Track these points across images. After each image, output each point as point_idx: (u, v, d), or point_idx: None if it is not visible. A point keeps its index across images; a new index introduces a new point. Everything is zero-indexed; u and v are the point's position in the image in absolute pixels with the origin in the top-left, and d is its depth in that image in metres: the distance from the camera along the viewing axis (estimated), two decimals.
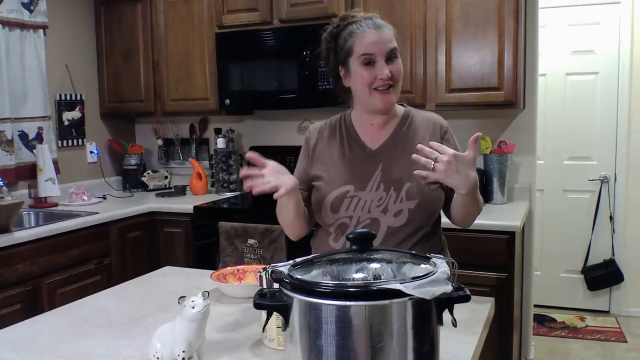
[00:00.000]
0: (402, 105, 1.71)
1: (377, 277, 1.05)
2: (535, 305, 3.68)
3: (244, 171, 1.44)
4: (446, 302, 1.03)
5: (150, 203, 3.51)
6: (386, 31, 1.55)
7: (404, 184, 1.57)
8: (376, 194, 1.58)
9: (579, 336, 3.89)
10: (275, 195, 1.45)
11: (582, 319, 4.18)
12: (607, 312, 4.31)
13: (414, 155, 1.43)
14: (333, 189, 1.60)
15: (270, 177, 1.43)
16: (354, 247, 1.13)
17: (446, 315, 1.05)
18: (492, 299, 1.61)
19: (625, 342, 3.79)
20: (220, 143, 3.72)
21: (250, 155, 1.46)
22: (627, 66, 4.14)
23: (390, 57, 1.54)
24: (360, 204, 1.58)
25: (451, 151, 1.40)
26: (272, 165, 1.46)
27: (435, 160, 1.39)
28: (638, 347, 3.71)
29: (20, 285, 2.65)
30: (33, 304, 2.68)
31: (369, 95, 1.56)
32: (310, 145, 1.71)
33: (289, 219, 1.63)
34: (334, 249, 1.61)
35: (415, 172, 1.42)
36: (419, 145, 1.43)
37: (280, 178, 1.45)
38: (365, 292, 0.97)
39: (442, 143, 1.58)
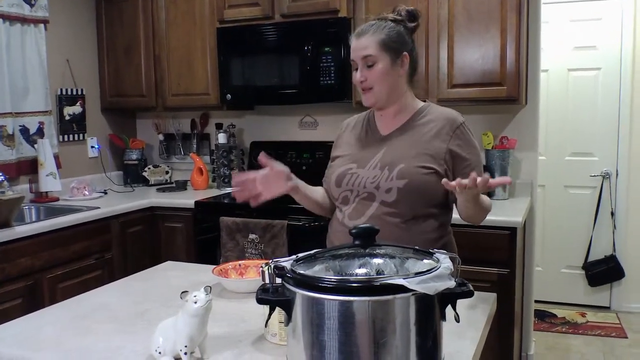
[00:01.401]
0: (424, 101, 1.83)
1: (380, 273, 1.05)
2: (536, 301, 3.68)
3: (236, 179, 1.69)
4: (449, 297, 1.03)
5: (151, 198, 3.50)
6: (364, 38, 1.69)
7: (397, 165, 1.68)
8: (372, 172, 1.71)
9: (580, 332, 3.90)
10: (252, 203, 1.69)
11: (583, 315, 4.19)
12: (608, 307, 4.31)
13: (444, 181, 1.47)
14: (340, 166, 1.79)
15: (259, 185, 1.69)
16: (356, 242, 1.12)
17: (449, 310, 1.05)
18: (494, 295, 1.62)
19: (626, 337, 3.79)
20: (222, 138, 3.72)
21: (262, 157, 1.72)
22: (629, 62, 4.13)
23: (367, 64, 1.69)
24: (358, 180, 1.73)
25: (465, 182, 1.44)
26: (263, 175, 1.71)
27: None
28: (638, 342, 3.72)
29: (21, 279, 2.65)
30: (34, 299, 2.68)
31: (361, 94, 1.76)
32: (338, 135, 1.93)
33: (307, 207, 1.88)
34: (339, 220, 1.76)
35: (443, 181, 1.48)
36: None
37: (269, 187, 1.71)
38: (368, 288, 0.97)
39: (450, 138, 1.69)
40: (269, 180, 1.71)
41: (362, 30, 1.71)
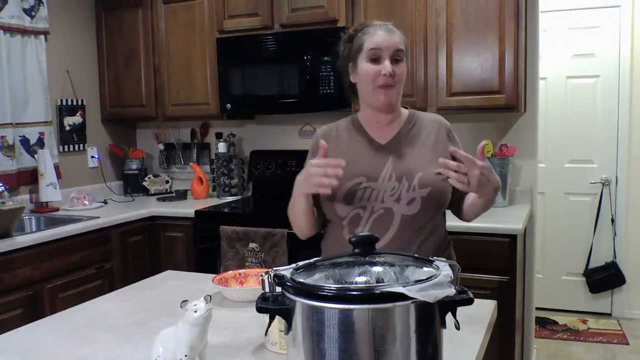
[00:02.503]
0: (406, 108, 1.79)
1: (379, 281, 1.05)
2: (537, 308, 3.67)
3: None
4: (449, 305, 1.03)
5: (151, 207, 3.50)
6: (397, 35, 1.65)
7: (415, 173, 1.62)
8: (389, 184, 1.63)
9: (581, 339, 3.88)
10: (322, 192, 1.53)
11: (584, 322, 4.18)
12: (609, 314, 4.30)
13: (441, 160, 1.47)
14: (345, 182, 1.62)
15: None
16: (356, 250, 1.13)
17: (449, 318, 1.05)
18: (494, 302, 1.61)
19: (628, 344, 3.78)
20: (222, 147, 3.72)
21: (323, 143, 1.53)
22: (627, 69, 4.15)
23: (395, 58, 1.62)
24: (374, 194, 1.62)
25: (480, 163, 1.46)
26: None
27: (466, 174, 1.46)
28: None
29: (21, 290, 2.65)
30: (34, 309, 2.68)
31: (372, 91, 1.64)
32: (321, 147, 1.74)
33: (299, 218, 1.68)
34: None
35: (451, 182, 1.47)
36: (451, 153, 1.50)
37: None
38: (368, 296, 0.97)
39: (447, 142, 1.71)
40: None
41: (390, 28, 1.65)
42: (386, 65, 1.59)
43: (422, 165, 1.64)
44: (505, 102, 2.92)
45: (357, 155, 1.69)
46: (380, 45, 1.60)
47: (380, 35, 1.62)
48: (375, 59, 1.61)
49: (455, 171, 1.45)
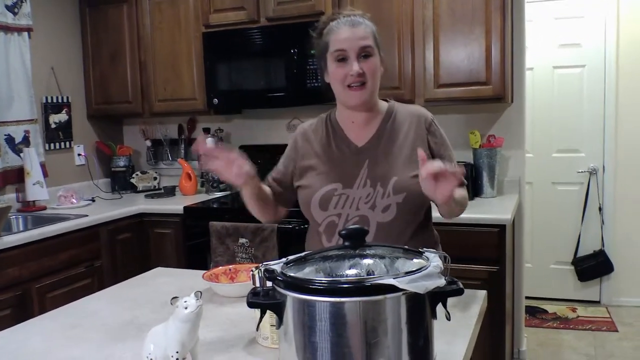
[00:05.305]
0: (386, 100, 1.72)
1: (370, 273, 1.05)
2: (527, 297, 3.70)
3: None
4: (440, 296, 1.03)
5: (139, 204, 3.48)
6: (361, 28, 1.56)
7: (390, 178, 1.58)
8: (363, 191, 1.59)
9: (571, 327, 3.92)
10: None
11: (573, 310, 4.22)
12: (598, 302, 4.34)
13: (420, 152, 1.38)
14: (320, 187, 1.62)
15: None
16: (346, 243, 1.12)
17: (440, 309, 1.05)
18: (484, 292, 1.62)
19: (617, 331, 3.82)
20: (209, 143, 3.69)
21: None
22: (613, 58, 4.17)
23: (362, 54, 1.55)
24: (349, 202, 1.59)
25: (434, 167, 1.34)
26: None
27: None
28: (629, 336, 3.75)
29: (10, 290, 2.63)
30: (23, 309, 2.65)
31: (343, 93, 1.59)
32: (297, 147, 1.74)
33: (248, 205, 1.70)
34: None
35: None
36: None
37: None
38: (358, 288, 0.97)
39: (427, 135, 1.64)
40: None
41: (354, 20, 1.56)
42: (353, 66, 1.52)
43: (398, 168, 1.58)
44: (493, 93, 2.93)
45: (333, 160, 1.65)
46: (344, 46, 1.54)
47: (343, 33, 1.54)
48: (342, 59, 1.55)
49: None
